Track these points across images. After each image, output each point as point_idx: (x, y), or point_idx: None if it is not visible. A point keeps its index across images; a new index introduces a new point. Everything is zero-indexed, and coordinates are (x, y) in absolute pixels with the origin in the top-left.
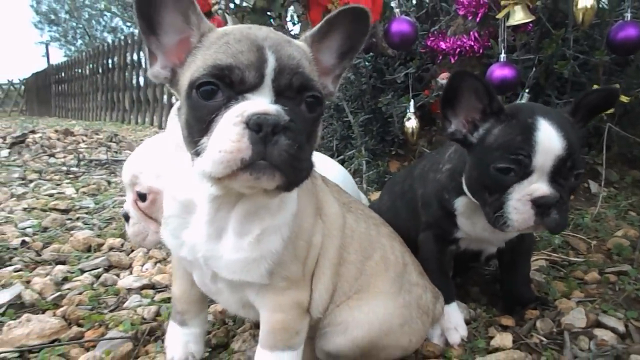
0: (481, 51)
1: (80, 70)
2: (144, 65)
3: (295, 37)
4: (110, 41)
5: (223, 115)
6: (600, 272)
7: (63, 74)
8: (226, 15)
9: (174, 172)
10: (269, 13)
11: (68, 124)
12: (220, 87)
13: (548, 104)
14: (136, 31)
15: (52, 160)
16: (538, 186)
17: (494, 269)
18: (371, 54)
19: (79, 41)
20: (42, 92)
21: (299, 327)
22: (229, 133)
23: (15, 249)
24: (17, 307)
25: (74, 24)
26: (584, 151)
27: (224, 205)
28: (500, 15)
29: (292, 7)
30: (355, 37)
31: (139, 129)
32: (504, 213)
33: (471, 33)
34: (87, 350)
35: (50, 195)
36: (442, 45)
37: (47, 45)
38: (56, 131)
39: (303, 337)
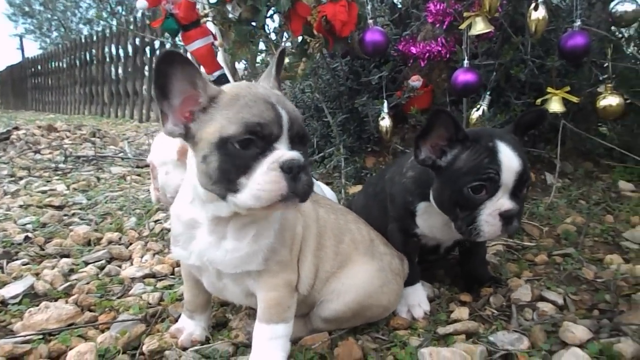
0: (448, 56)
1: (57, 63)
2: (122, 59)
3: (278, 44)
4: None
5: (262, 162)
6: (549, 254)
7: (39, 67)
8: (213, 24)
9: (177, 200)
10: (253, 23)
11: (47, 118)
12: (254, 140)
13: (508, 104)
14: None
15: (37, 156)
16: (504, 201)
17: (456, 253)
18: (348, 57)
19: (54, 33)
20: (18, 85)
21: (289, 303)
22: (270, 176)
23: (20, 244)
24: (32, 296)
25: (49, 16)
26: (542, 146)
27: (222, 220)
28: (462, 26)
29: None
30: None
31: (119, 123)
32: (476, 226)
33: (439, 39)
34: (102, 331)
35: (43, 192)
36: (413, 50)
37: (21, 37)
38: (39, 127)
39: (293, 311)
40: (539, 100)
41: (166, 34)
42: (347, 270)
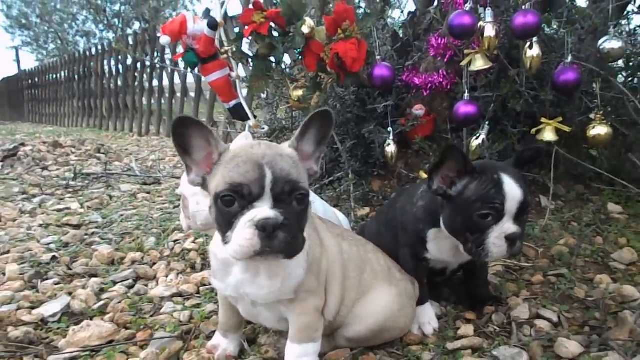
0: (449, 87)
1: (54, 76)
2: (122, 72)
3: (293, 78)
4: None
5: (240, 219)
6: (544, 274)
7: (36, 79)
8: (232, 60)
9: (214, 239)
10: (270, 59)
11: (47, 131)
12: (236, 198)
13: (505, 132)
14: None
15: (45, 173)
16: (509, 226)
17: (460, 275)
18: (354, 86)
19: (51, 45)
20: (14, 97)
21: (318, 326)
22: (244, 233)
23: (48, 264)
24: (69, 315)
25: (46, 28)
26: (536, 171)
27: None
28: (463, 63)
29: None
30: (325, 129)
31: (119, 136)
32: (485, 248)
33: (440, 71)
34: (142, 348)
35: (59, 211)
36: (416, 80)
37: (17, 50)
38: (45, 143)
39: (321, 332)
40: (533, 130)
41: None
42: (369, 297)
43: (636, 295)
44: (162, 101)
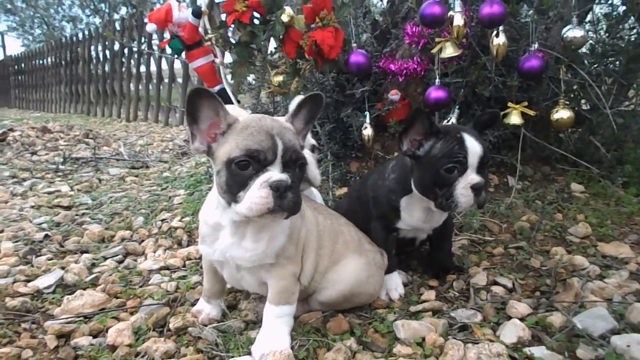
0: (423, 73)
1: (41, 61)
2: (109, 58)
3: (274, 64)
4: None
5: (255, 180)
6: (505, 247)
7: (23, 65)
8: (216, 47)
9: (204, 207)
10: (252, 46)
11: (34, 117)
12: (251, 162)
13: (475, 117)
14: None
15: (35, 157)
16: (473, 177)
17: (428, 247)
18: (334, 72)
19: (37, 30)
20: (0, 83)
21: (294, 289)
22: (260, 192)
23: (41, 241)
24: (63, 286)
25: (32, 13)
26: (505, 152)
27: (241, 224)
28: (434, 50)
29: (271, 42)
30: (315, 110)
31: (107, 122)
32: (453, 199)
33: (415, 58)
34: (132, 314)
35: (50, 193)
36: (392, 67)
37: (2, 35)
38: (34, 128)
39: (297, 296)
40: (501, 113)
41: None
42: (341, 264)
43: (585, 264)
44: (150, 87)
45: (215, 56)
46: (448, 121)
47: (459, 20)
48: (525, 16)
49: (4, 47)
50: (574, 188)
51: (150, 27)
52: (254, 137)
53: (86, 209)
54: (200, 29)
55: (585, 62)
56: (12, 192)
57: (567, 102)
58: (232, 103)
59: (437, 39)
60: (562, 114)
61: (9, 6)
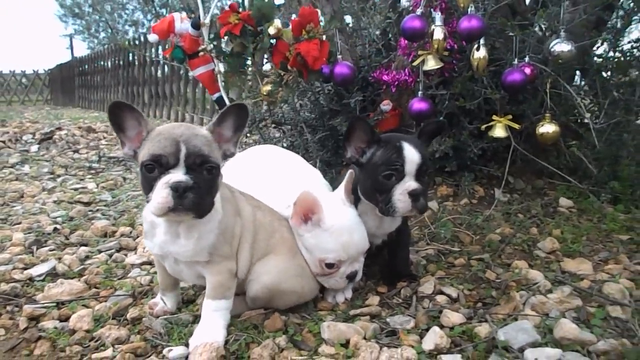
0: (413, 84)
1: (102, 63)
2: (161, 62)
3: (266, 75)
4: (131, 35)
5: (158, 182)
6: (468, 259)
7: (86, 67)
8: (210, 56)
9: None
10: (244, 56)
11: (92, 117)
12: (156, 166)
13: (460, 129)
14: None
15: (76, 155)
16: (410, 183)
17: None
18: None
19: (102, 34)
20: (66, 83)
21: (230, 285)
22: (161, 193)
23: (49, 234)
24: (53, 275)
25: (97, 17)
26: (494, 165)
27: (174, 222)
28: (415, 63)
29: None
30: (241, 119)
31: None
32: (392, 205)
33: (406, 69)
34: (102, 303)
35: (75, 190)
36: (385, 77)
37: (71, 37)
38: (80, 128)
39: (233, 291)
40: (483, 127)
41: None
42: (269, 257)
43: (538, 279)
44: (197, 90)
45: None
46: None
47: (439, 34)
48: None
49: (72, 49)
50: (562, 203)
51: (152, 37)
52: (161, 143)
53: (104, 205)
54: (204, 39)
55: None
56: (43, 187)
57: (553, 116)
58: None
59: (419, 52)
60: (547, 128)
61: (76, 10)
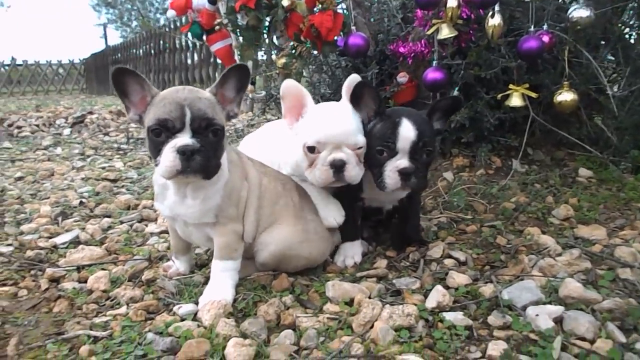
0: (429, 55)
1: (135, 51)
2: (190, 47)
3: (279, 47)
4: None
5: (165, 146)
6: (480, 226)
7: (119, 55)
8: (227, 30)
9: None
10: (259, 29)
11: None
12: (162, 130)
13: (479, 98)
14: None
15: (106, 138)
16: (401, 162)
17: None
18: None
19: (134, 22)
20: (101, 71)
21: (236, 246)
22: (169, 156)
23: (75, 207)
24: (76, 243)
25: (129, 6)
26: (512, 136)
27: (182, 184)
28: (429, 32)
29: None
30: (243, 79)
31: None
32: (382, 179)
33: (422, 40)
34: (119, 266)
35: (103, 168)
36: (401, 49)
37: (104, 26)
38: (110, 112)
39: (240, 253)
40: (499, 96)
41: None
42: (274, 227)
43: (549, 244)
44: None
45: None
46: None
47: (452, 1)
48: None
49: (105, 38)
50: (582, 173)
51: (170, 13)
52: (166, 107)
53: (130, 182)
54: (217, 14)
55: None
56: (73, 166)
57: (572, 85)
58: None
59: (433, 21)
60: (565, 96)
61: (109, 0)
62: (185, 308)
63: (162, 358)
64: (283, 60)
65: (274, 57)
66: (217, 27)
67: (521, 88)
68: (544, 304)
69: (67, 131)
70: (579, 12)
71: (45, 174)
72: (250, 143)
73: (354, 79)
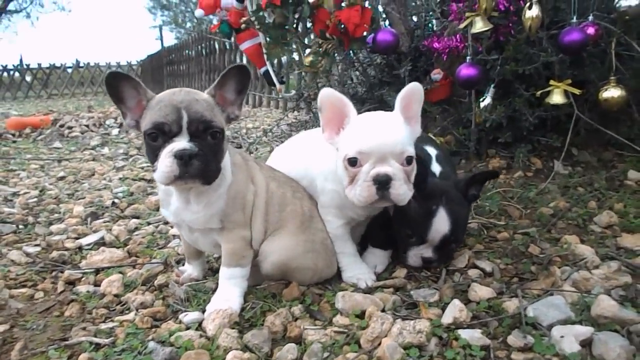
0: (464, 50)
1: (188, 52)
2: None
3: (307, 44)
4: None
5: (162, 151)
6: (514, 233)
7: (173, 56)
8: (255, 29)
9: None
10: (286, 27)
11: None
12: (159, 134)
13: (518, 95)
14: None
15: None
16: (426, 251)
17: None
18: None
19: (188, 24)
20: (156, 72)
21: (244, 253)
22: (166, 161)
23: (107, 207)
24: (101, 244)
25: (183, 8)
26: (553, 135)
27: (185, 189)
28: (462, 26)
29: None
30: (243, 81)
31: None
32: (404, 257)
33: (457, 35)
34: (136, 270)
35: (142, 168)
36: (436, 45)
37: (160, 28)
38: None
39: (248, 260)
40: (539, 92)
41: None
42: (277, 235)
43: (586, 254)
44: None
45: None
46: (483, 100)
47: None
48: None
49: (161, 39)
50: (631, 176)
51: (198, 12)
52: (162, 110)
53: None
54: (245, 12)
55: None
56: (115, 166)
57: (621, 81)
58: (274, 85)
59: (466, 14)
60: (611, 92)
61: (164, 2)
62: (190, 316)
63: None
64: (310, 58)
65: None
66: (243, 26)
67: (563, 84)
68: (573, 323)
69: (115, 131)
70: (628, 1)
71: (87, 174)
72: (280, 155)
73: (412, 89)
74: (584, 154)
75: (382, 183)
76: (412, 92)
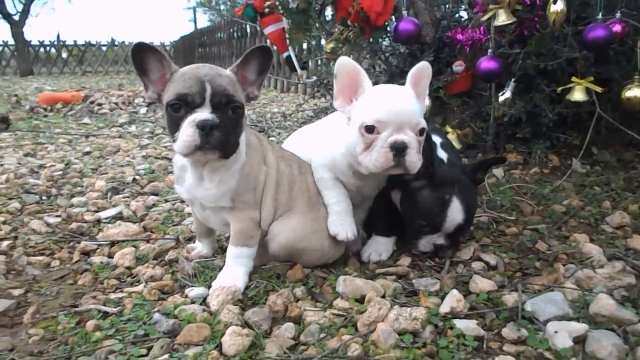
0: (486, 43)
1: (220, 35)
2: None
3: (331, 33)
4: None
5: (184, 121)
6: (523, 228)
7: (205, 38)
8: (278, 13)
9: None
10: (309, 13)
11: None
12: (182, 105)
13: (539, 91)
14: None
15: None
16: (439, 239)
17: None
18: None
19: (222, 6)
20: (188, 54)
21: (252, 233)
22: (188, 131)
23: (128, 183)
24: (118, 218)
25: None
26: (573, 133)
27: (198, 166)
28: (484, 19)
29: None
30: (265, 62)
31: (263, 92)
32: (415, 243)
33: (481, 28)
34: (149, 244)
35: (165, 147)
36: (459, 36)
37: (194, 9)
38: None
39: (256, 240)
40: (559, 89)
41: None
42: (285, 216)
43: (593, 253)
44: None
45: None
46: (503, 94)
47: None
48: None
49: (195, 21)
50: None
51: None
52: (186, 82)
53: None
54: None
55: None
56: (140, 144)
57: None
58: (296, 70)
59: (490, 6)
60: (635, 92)
61: None
62: (196, 291)
63: (161, 340)
64: (331, 45)
65: (323, 42)
66: (267, 10)
67: (584, 81)
68: (570, 320)
69: (143, 110)
70: None
71: (112, 150)
72: (298, 138)
73: (421, 67)
74: (603, 153)
75: (399, 150)
76: (422, 70)
